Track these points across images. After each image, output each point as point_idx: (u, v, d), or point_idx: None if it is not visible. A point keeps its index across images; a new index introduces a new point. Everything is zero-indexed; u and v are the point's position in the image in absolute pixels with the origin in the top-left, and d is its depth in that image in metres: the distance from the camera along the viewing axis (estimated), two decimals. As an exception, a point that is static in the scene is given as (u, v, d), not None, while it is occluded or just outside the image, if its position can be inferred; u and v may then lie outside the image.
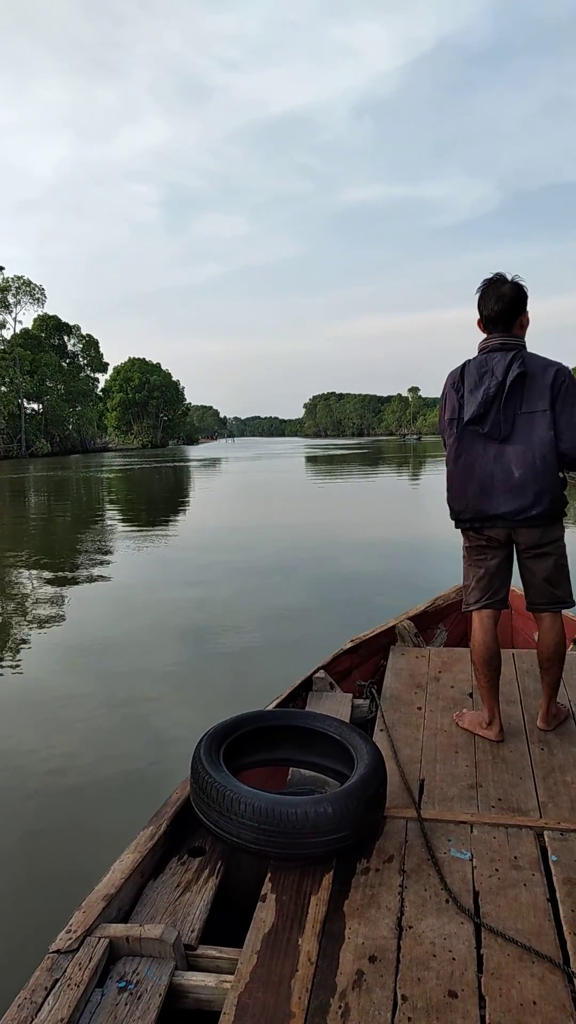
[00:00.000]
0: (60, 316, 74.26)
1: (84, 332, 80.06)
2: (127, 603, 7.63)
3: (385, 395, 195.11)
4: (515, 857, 1.95)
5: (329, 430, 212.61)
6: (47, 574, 9.16)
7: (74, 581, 8.89)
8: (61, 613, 7.22)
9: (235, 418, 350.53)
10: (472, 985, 1.52)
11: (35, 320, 76.18)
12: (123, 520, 15.56)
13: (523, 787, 2.37)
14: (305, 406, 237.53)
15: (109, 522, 15.14)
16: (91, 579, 8.93)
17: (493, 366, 2.54)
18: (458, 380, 2.64)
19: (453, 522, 2.76)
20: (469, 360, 2.65)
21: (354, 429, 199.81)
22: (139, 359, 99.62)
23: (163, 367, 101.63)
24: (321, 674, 3.15)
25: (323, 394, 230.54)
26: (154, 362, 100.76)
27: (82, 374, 79.33)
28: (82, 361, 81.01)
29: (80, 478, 31.03)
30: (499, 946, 1.63)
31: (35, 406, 70.76)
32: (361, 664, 3.49)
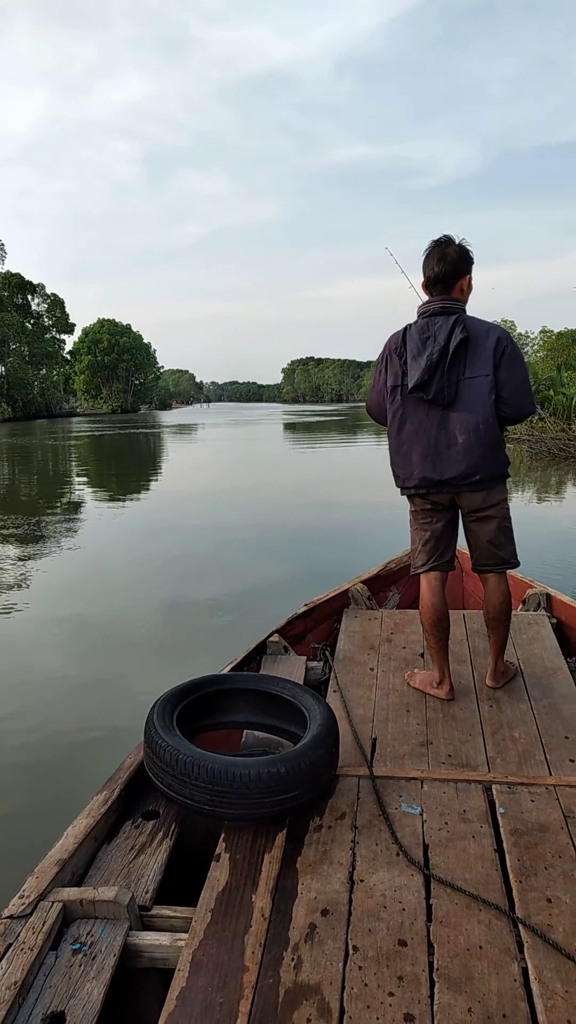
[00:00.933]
0: (38, 278, 72.58)
1: (49, 291, 78.10)
2: (85, 572, 7.66)
3: (365, 360, 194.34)
4: (464, 811, 2.04)
5: (307, 395, 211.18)
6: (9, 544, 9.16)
7: (35, 545, 8.98)
8: (21, 580, 7.25)
9: (212, 382, 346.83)
10: (421, 933, 1.60)
11: None
12: (81, 489, 15.46)
13: (472, 743, 2.46)
14: (283, 371, 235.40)
15: (70, 491, 15.10)
16: (47, 544, 9.05)
17: (435, 331, 2.57)
18: (400, 345, 2.68)
19: (399, 489, 2.82)
20: (410, 324, 2.68)
21: (332, 395, 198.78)
22: (108, 320, 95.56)
23: (133, 329, 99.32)
24: (275, 638, 3.23)
25: (302, 359, 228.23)
26: (124, 323, 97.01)
27: (47, 335, 77.64)
28: (47, 322, 78.57)
29: (43, 445, 30.60)
30: (448, 896, 1.71)
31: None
32: (315, 627, 3.59)
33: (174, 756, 1.96)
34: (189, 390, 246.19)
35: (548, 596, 3.72)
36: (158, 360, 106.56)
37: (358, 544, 8.18)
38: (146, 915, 1.74)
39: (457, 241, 2.64)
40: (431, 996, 1.44)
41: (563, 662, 3.09)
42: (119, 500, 13.63)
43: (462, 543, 2.90)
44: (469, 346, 2.56)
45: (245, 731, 2.57)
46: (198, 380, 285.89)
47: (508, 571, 2.83)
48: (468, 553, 2.95)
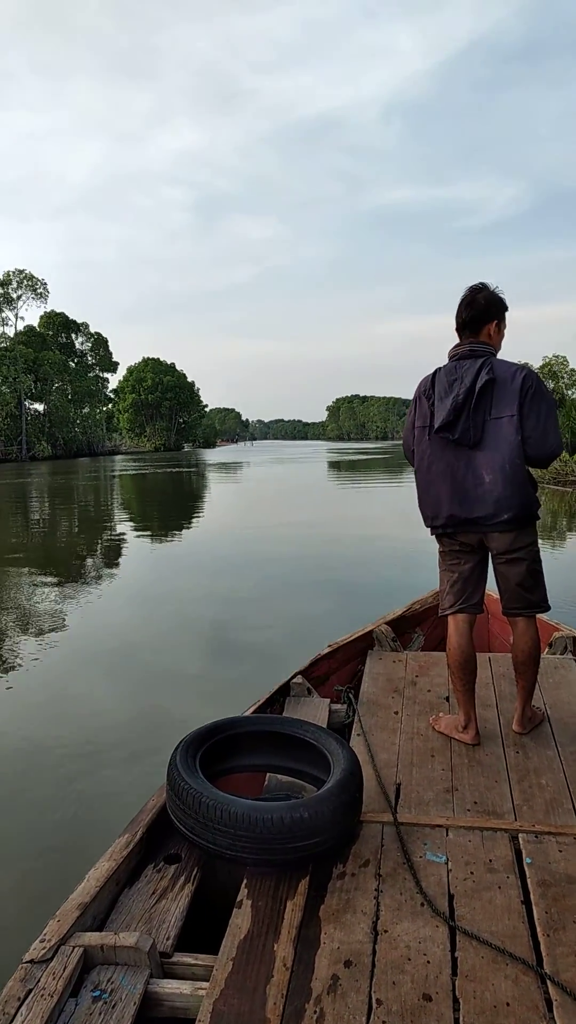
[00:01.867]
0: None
1: (93, 330, 79.76)
2: (117, 609, 7.76)
3: (409, 398, 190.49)
4: (490, 860, 2.01)
5: (352, 433, 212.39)
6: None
7: (71, 581, 9.11)
8: (48, 619, 7.33)
9: (258, 421, 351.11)
10: (446, 988, 1.57)
11: (41, 317, 75.40)
12: (120, 527, 15.70)
13: (498, 790, 2.44)
14: (328, 409, 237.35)
15: (108, 529, 15.32)
16: (82, 579, 9.24)
17: (462, 373, 2.65)
18: (429, 388, 2.77)
19: (428, 529, 2.86)
20: (439, 368, 2.77)
21: (377, 432, 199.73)
22: (152, 359, 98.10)
23: (178, 367, 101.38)
24: (299, 679, 3.24)
25: (346, 397, 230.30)
26: (169, 362, 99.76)
27: (91, 374, 78.94)
28: (90, 360, 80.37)
29: (83, 484, 30.95)
30: (473, 948, 1.68)
31: (39, 407, 69.76)
32: (339, 669, 3.59)
33: (196, 799, 1.97)
34: (235, 428, 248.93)
35: (575, 640, 3.68)
36: (202, 399, 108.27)
37: (390, 583, 8.18)
38: (167, 962, 1.73)
39: (492, 288, 2.74)
40: None
41: None
42: (158, 538, 13.77)
43: (491, 586, 2.90)
44: (496, 387, 2.61)
45: (268, 774, 2.57)
46: (244, 418, 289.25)
47: (538, 614, 2.83)
48: (495, 595, 2.95)
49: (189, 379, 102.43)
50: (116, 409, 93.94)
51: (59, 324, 76.07)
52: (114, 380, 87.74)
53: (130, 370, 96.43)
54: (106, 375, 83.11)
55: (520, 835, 2.13)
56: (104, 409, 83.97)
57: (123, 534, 14.27)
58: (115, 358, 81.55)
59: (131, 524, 16.13)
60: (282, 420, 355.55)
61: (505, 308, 2.78)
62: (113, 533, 14.52)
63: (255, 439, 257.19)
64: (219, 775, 2.35)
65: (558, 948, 1.68)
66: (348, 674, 3.63)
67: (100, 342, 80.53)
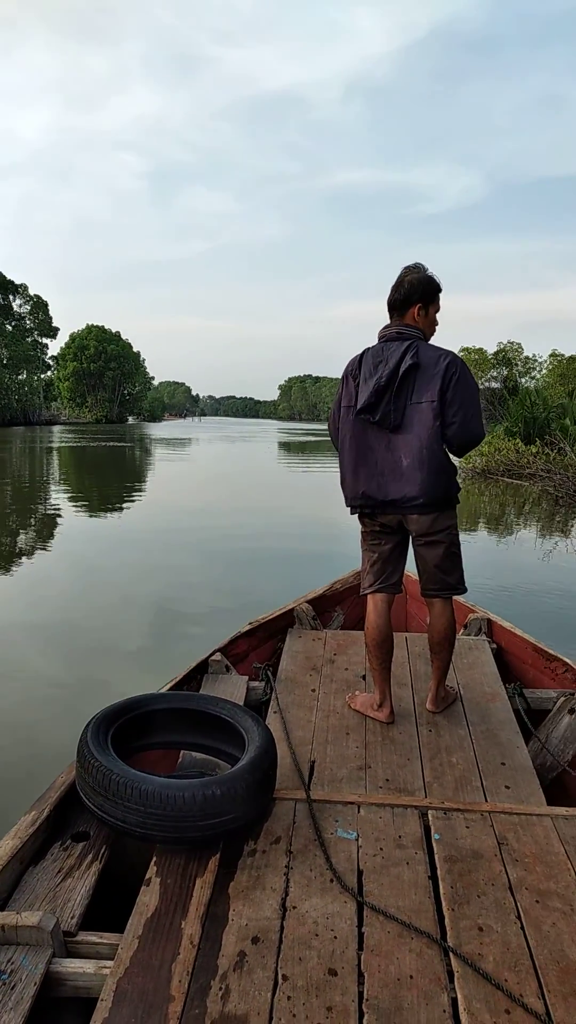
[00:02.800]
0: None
1: (32, 292, 76.27)
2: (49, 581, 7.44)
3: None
4: (399, 836, 2.05)
5: (303, 413, 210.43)
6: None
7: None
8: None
9: (209, 396, 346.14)
10: (352, 962, 1.59)
11: None
12: (51, 500, 14.69)
13: (410, 768, 2.51)
14: (280, 387, 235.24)
15: (42, 503, 14.31)
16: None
17: (388, 355, 2.67)
18: (356, 368, 2.77)
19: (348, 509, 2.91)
20: (368, 348, 2.78)
21: (328, 413, 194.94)
22: (97, 326, 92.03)
23: (123, 337, 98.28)
24: (217, 656, 3.23)
25: (299, 376, 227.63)
26: (114, 331, 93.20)
27: (29, 339, 75.76)
28: (29, 324, 76.09)
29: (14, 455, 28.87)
30: (380, 923, 1.71)
31: None
32: (258, 647, 3.60)
33: (106, 776, 1.94)
34: (184, 402, 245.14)
35: (489, 621, 3.79)
36: (151, 371, 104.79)
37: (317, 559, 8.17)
38: (71, 942, 1.71)
39: (425, 270, 2.74)
40: None
41: (502, 688, 3.14)
42: (90, 513, 13.01)
43: (410, 567, 2.96)
44: (419, 372, 2.63)
45: (182, 752, 2.57)
46: (194, 393, 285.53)
47: (454, 596, 2.88)
48: (414, 577, 3.14)
49: (135, 349, 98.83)
50: (57, 377, 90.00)
51: (-6, 283, 71.72)
52: (56, 347, 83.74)
53: (72, 337, 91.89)
54: (45, 341, 79.11)
55: (430, 812, 2.17)
56: (42, 377, 79.90)
57: (51, 512, 13.19)
58: (61, 328, 77.33)
59: (63, 501, 14.92)
60: (234, 397, 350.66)
61: (436, 291, 2.77)
62: (40, 510, 13.50)
63: (204, 415, 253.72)
64: (132, 753, 2.32)
65: (462, 922, 1.73)
66: (268, 652, 3.66)
67: (40, 305, 76.12)
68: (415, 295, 2.72)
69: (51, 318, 77.34)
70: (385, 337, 2.75)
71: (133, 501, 14.56)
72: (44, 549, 9.24)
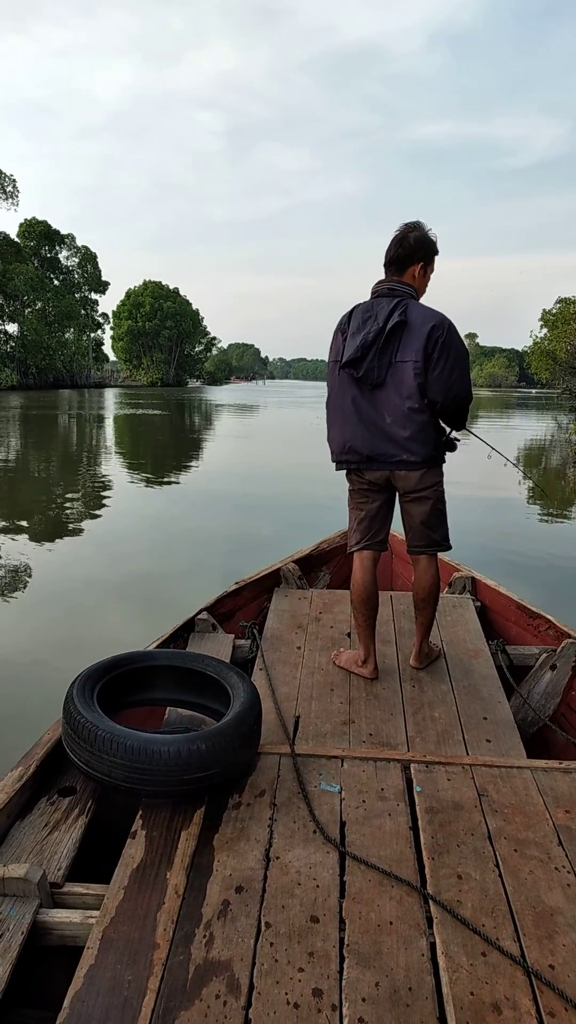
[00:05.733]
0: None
1: (80, 243, 70.28)
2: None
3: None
4: (382, 789, 2.10)
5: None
6: None
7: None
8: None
9: (280, 359, 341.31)
10: (334, 910, 1.65)
11: (20, 225, 63.96)
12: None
13: (393, 723, 2.57)
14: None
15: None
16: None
17: (377, 311, 2.66)
18: (345, 323, 2.76)
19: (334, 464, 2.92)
20: (359, 304, 2.76)
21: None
22: (153, 283, 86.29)
23: (181, 293, 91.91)
24: (204, 615, 3.27)
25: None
26: (172, 287, 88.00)
27: (78, 294, 70.40)
28: (77, 278, 70.28)
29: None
30: (361, 872, 1.76)
31: (12, 328, 59.28)
32: (245, 606, 3.64)
33: (92, 732, 1.96)
34: (253, 365, 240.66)
35: (473, 580, 3.86)
36: (213, 332, 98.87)
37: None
38: (57, 892, 1.75)
39: (426, 229, 2.72)
40: (340, 971, 1.49)
41: (484, 645, 3.23)
42: None
43: (396, 527, 3.01)
44: (405, 331, 2.63)
45: (168, 708, 2.60)
46: (263, 355, 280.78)
47: (439, 554, 2.95)
48: (400, 536, 3.19)
49: (194, 307, 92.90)
50: (113, 337, 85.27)
51: (40, 234, 65.86)
52: (111, 304, 78.40)
53: (128, 294, 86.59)
54: (95, 296, 74.02)
55: (412, 765, 2.22)
56: (92, 336, 74.97)
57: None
58: (130, 285, 71.32)
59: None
60: (304, 360, 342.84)
61: (435, 252, 2.78)
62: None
63: (273, 377, 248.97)
64: (118, 709, 2.33)
65: (441, 870, 1.78)
66: (254, 611, 3.69)
67: (88, 257, 70.75)
68: (419, 252, 2.71)
69: (100, 271, 72.12)
70: (377, 292, 2.74)
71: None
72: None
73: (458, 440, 2.97)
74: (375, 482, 2.84)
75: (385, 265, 2.77)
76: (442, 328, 2.61)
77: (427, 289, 2.84)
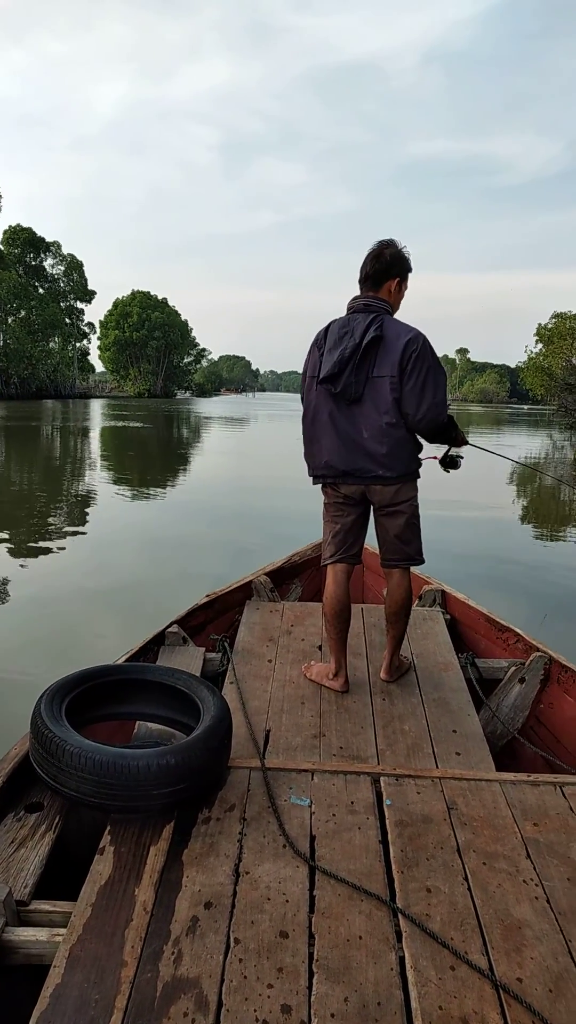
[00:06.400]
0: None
1: (66, 252, 70.37)
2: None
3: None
4: (352, 802, 2.12)
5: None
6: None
7: None
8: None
9: (271, 371, 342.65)
10: (303, 924, 1.66)
11: (4, 232, 64.33)
12: None
13: (364, 736, 2.61)
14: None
15: None
16: None
17: (354, 327, 2.72)
18: (322, 339, 2.83)
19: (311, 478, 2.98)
20: (335, 320, 2.83)
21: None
22: (141, 292, 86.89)
23: (170, 303, 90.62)
24: (174, 628, 3.29)
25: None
26: (160, 297, 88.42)
27: (64, 303, 70.20)
28: (63, 286, 70.37)
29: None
30: (331, 887, 1.78)
31: None
32: (216, 618, 3.68)
33: (60, 747, 1.96)
34: (243, 377, 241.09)
35: (443, 592, 3.92)
36: (208, 344, 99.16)
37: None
38: (24, 910, 1.74)
39: (400, 246, 2.80)
40: (309, 987, 1.50)
41: (454, 657, 3.28)
42: None
43: (370, 540, 3.05)
44: (382, 346, 2.68)
45: (138, 723, 2.61)
46: (254, 368, 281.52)
47: (411, 567, 2.98)
48: (372, 549, 3.22)
49: (183, 317, 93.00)
50: (100, 347, 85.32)
51: (24, 241, 65.73)
52: (98, 313, 78.56)
53: (116, 303, 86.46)
54: (81, 305, 74.07)
55: (382, 778, 2.24)
56: (77, 345, 74.99)
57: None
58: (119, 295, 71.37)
59: None
60: (295, 373, 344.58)
61: (409, 268, 2.84)
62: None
63: (263, 390, 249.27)
64: (87, 724, 2.33)
65: (410, 884, 1.80)
66: (225, 624, 3.72)
67: (74, 266, 70.60)
68: (395, 268, 2.78)
69: (86, 279, 72.10)
70: (353, 308, 2.79)
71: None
72: None
73: (461, 457, 3.01)
74: (351, 496, 2.88)
75: (360, 281, 2.83)
76: (417, 342, 2.66)
77: (402, 305, 2.89)
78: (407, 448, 2.77)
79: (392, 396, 2.67)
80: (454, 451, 2.99)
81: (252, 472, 16.50)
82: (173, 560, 7.81)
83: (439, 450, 3.05)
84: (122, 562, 7.64)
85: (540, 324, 38.80)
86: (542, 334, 38.26)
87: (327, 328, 2.82)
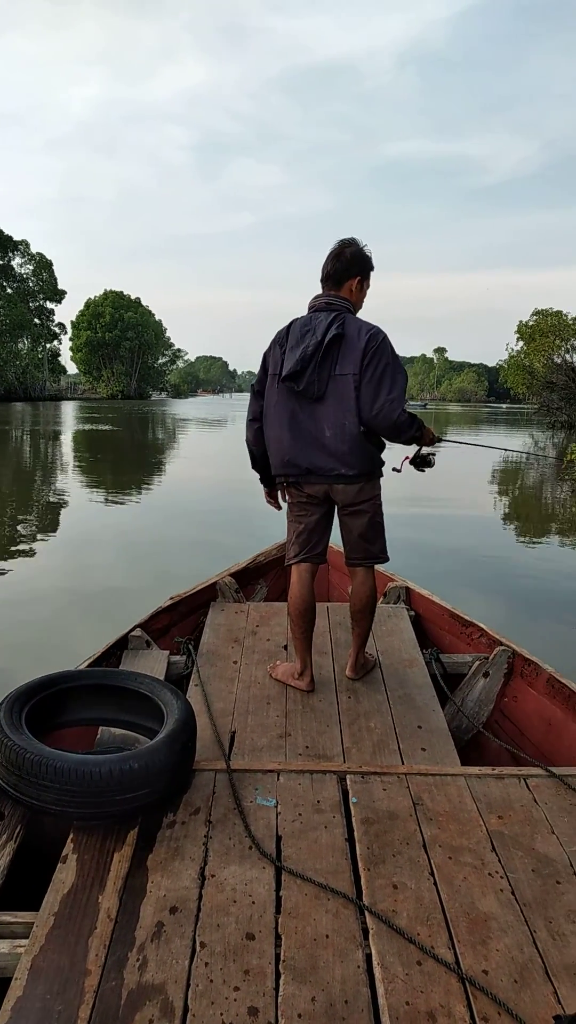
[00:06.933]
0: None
1: (34, 250, 68.68)
2: None
3: (409, 356, 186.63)
4: (318, 801, 2.13)
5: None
6: None
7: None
8: None
9: (248, 372, 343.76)
10: (270, 926, 1.66)
11: None
12: None
13: (329, 734, 2.63)
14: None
15: None
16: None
17: (315, 325, 2.74)
18: (283, 337, 2.85)
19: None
20: (296, 318, 2.86)
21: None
22: (114, 292, 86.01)
23: (143, 303, 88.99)
24: (138, 632, 3.30)
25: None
26: (133, 297, 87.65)
27: (33, 303, 68.93)
28: (32, 286, 68.85)
29: None
30: (297, 887, 1.78)
31: None
32: (180, 621, 3.68)
33: (20, 755, 1.94)
34: (220, 378, 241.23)
35: (407, 589, 3.97)
36: (185, 345, 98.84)
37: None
38: None
39: (361, 245, 2.83)
40: (276, 988, 1.50)
41: (419, 654, 3.32)
42: None
43: (334, 539, 3.05)
44: (343, 344, 2.71)
45: (101, 728, 2.61)
46: (231, 368, 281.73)
47: (375, 566, 3.01)
48: (336, 548, 3.21)
49: (156, 317, 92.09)
50: (72, 348, 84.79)
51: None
52: (71, 313, 77.95)
53: (87, 303, 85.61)
54: (51, 305, 73.49)
55: (348, 776, 2.25)
56: (48, 346, 74.37)
57: None
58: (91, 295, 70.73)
59: None
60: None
61: (371, 267, 2.86)
62: None
63: (241, 391, 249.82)
64: (49, 730, 2.33)
65: (377, 881, 1.81)
66: (190, 626, 3.72)
67: (44, 265, 69.92)
68: (355, 267, 2.81)
69: (56, 279, 71.42)
70: (315, 307, 2.83)
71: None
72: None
73: (433, 455, 3.03)
74: (314, 495, 2.89)
75: (322, 280, 2.86)
76: (376, 339, 2.70)
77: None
78: (368, 448, 2.78)
79: (355, 394, 2.69)
80: (425, 449, 3.00)
81: (224, 475, 16.31)
82: (145, 562, 7.77)
83: (412, 451, 3.06)
84: (92, 565, 7.60)
85: (521, 321, 39.07)
86: (523, 331, 38.49)
87: (289, 326, 2.85)
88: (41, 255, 69.68)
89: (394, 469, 3.02)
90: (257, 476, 3.16)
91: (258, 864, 1.86)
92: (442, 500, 12.54)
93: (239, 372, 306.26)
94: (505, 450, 5.33)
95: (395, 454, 3.02)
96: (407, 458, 3.06)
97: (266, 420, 2.91)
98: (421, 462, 3.02)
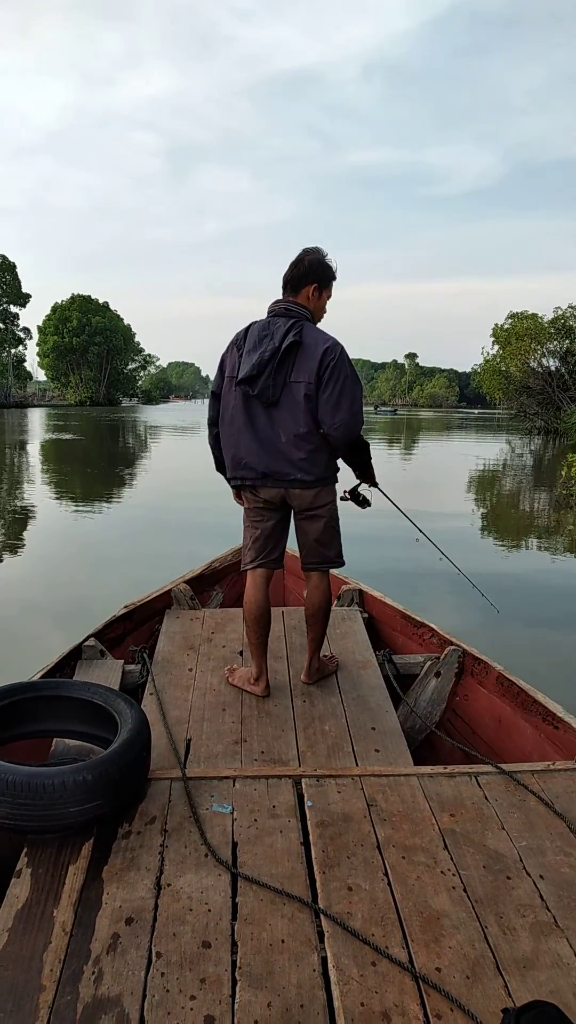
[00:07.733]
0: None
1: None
2: None
3: (380, 362, 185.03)
4: (273, 806, 2.16)
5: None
6: None
7: None
8: None
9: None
10: (226, 933, 1.68)
11: None
12: None
13: (285, 739, 2.68)
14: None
15: None
16: None
17: (274, 331, 2.79)
18: (241, 339, 2.90)
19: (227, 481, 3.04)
20: (255, 322, 2.91)
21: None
22: (82, 296, 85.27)
23: (112, 307, 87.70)
24: (91, 642, 3.31)
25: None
26: (101, 301, 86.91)
27: (-2, 307, 69.78)
28: None
29: None
30: (253, 892, 1.80)
31: None
32: (135, 629, 3.71)
33: None
34: (193, 384, 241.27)
35: (360, 592, 4.05)
36: (156, 351, 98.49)
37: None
38: None
39: (324, 255, 2.88)
40: (232, 995, 1.51)
41: (372, 656, 3.39)
42: None
43: (290, 544, 3.10)
44: (300, 351, 2.76)
45: (55, 740, 2.62)
46: (204, 374, 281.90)
47: (330, 570, 3.05)
48: (292, 552, 3.24)
49: (125, 322, 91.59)
50: (39, 353, 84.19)
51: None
52: (35, 319, 77.34)
53: (54, 308, 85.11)
54: (15, 309, 73.01)
55: (303, 780, 2.29)
56: (13, 352, 73.83)
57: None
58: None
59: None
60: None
61: (332, 277, 2.92)
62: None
63: (198, 398, 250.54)
64: (1, 743, 2.33)
65: (332, 883, 1.84)
66: (145, 635, 3.75)
67: (6, 267, 69.37)
68: (313, 274, 2.86)
69: (20, 282, 71.17)
70: (274, 312, 2.88)
71: None
72: None
73: (369, 495, 3.14)
74: (270, 500, 2.94)
75: (282, 286, 2.92)
76: (334, 352, 2.75)
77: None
78: (324, 453, 2.84)
79: (307, 404, 2.75)
80: (363, 489, 3.12)
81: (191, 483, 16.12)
82: (107, 571, 7.83)
83: (350, 484, 3.16)
84: (52, 575, 7.64)
85: (497, 324, 39.47)
86: (499, 335, 38.89)
87: (247, 329, 2.89)
88: (4, 257, 69.26)
89: (341, 497, 3.11)
90: (223, 478, 3.18)
91: (214, 871, 1.87)
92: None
93: (211, 378, 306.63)
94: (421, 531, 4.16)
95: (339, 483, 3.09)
96: (346, 491, 3.15)
97: (222, 423, 2.94)
98: (357, 498, 3.14)
